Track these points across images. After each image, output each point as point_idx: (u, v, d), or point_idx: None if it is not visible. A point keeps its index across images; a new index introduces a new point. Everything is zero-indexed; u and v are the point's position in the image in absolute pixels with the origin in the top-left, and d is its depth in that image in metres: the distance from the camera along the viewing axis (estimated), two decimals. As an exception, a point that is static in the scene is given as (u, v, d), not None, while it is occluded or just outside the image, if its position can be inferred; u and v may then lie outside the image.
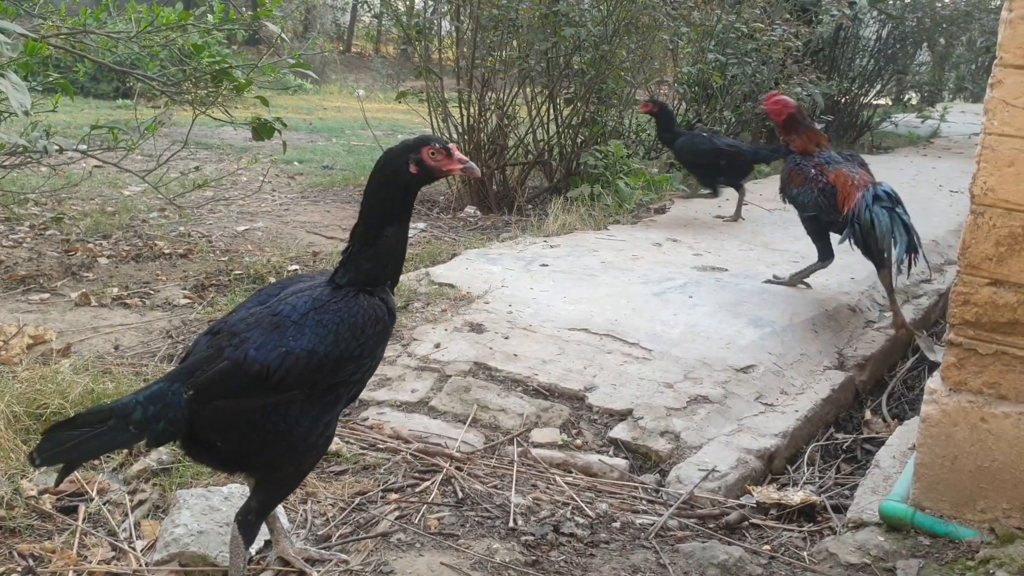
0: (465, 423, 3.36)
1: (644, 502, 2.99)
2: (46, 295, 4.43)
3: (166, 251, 5.32)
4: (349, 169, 8.85)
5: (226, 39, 8.05)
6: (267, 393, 2.07)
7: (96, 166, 7.34)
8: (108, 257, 5.15)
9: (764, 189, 8.15)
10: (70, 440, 2.01)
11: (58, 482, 2.26)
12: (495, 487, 2.96)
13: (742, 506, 2.97)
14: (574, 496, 2.94)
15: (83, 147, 4.88)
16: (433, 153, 2.21)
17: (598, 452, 3.28)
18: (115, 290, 4.53)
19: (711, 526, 2.84)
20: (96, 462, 2.81)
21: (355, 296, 2.16)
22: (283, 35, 4.60)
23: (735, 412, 3.55)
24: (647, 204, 7.11)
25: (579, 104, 7.44)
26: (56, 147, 4.20)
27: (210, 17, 4.74)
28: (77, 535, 2.45)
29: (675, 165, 8.70)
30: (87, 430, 2.02)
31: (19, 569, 2.28)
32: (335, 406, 2.19)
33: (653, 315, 4.39)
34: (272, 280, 4.82)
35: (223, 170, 7.87)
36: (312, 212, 6.91)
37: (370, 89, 15.54)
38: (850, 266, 5.50)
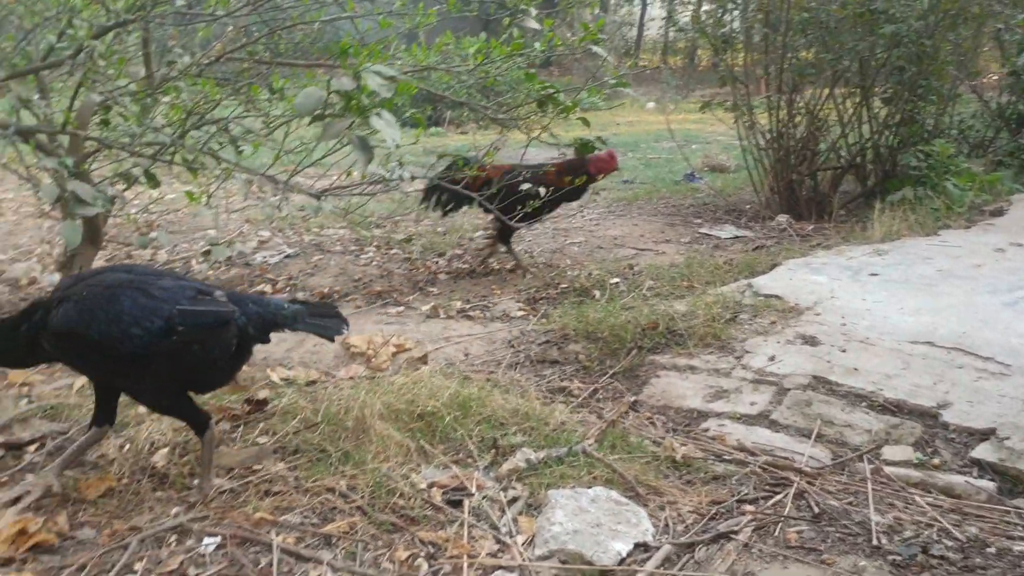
0: (810, 438, 3.31)
1: (1020, 528, 2.79)
2: (400, 308, 4.91)
3: (495, 267, 5.70)
4: (649, 182, 8.98)
5: (525, 63, 8.44)
6: None
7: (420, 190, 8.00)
8: (446, 273, 5.61)
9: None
10: None
11: None
12: (850, 503, 2.89)
13: None
14: (937, 517, 2.80)
15: (431, 175, 5.34)
16: None
17: (959, 472, 3.10)
18: (458, 303, 4.93)
19: (1106, 559, 2.59)
20: (470, 460, 3.08)
21: None
22: (608, 58, 4.77)
23: (1120, 434, 3.20)
24: (980, 206, 6.57)
25: (897, 103, 7.04)
26: (410, 175, 4.64)
27: (537, 45, 5.01)
28: (465, 527, 2.70)
29: (1003, 163, 7.97)
30: None
31: (422, 554, 2.56)
32: None
33: (1006, 327, 4.07)
34: (596, 294, 5.03)
35: (534, 190, 8.26)
36: (620, 226, 7.08)
37: (660, 101, 15.61)
38: None
